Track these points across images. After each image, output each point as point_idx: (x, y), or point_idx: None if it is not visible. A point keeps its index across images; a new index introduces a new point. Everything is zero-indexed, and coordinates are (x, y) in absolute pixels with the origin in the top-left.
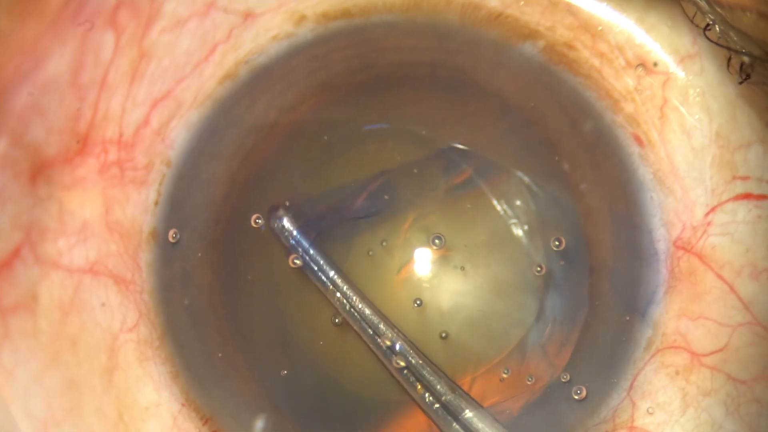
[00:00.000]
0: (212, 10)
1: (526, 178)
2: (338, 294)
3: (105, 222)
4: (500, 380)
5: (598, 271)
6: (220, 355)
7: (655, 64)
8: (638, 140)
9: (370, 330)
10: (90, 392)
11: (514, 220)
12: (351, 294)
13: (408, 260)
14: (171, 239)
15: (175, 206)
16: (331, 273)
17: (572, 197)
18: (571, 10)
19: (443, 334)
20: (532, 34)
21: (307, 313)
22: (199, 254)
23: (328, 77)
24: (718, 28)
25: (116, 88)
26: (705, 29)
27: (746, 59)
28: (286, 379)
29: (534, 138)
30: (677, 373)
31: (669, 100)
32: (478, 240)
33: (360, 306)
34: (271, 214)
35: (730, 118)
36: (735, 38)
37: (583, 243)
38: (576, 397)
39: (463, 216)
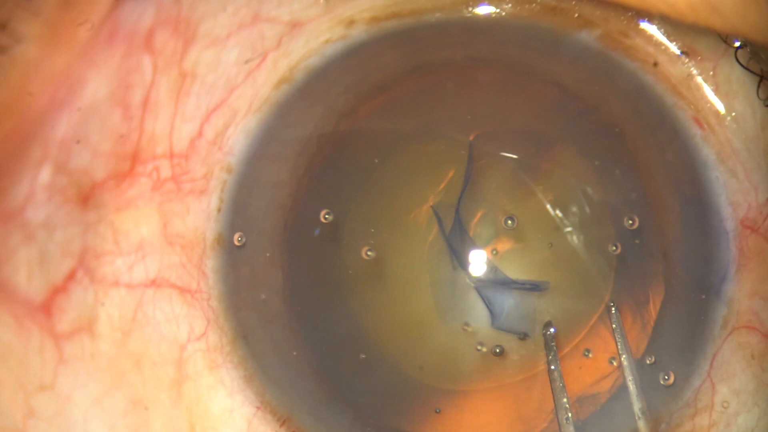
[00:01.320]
0: (257, 22)
1: (594, 163)
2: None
3: (164, 236)
4: (583, 360)
5: (670, 251)
6: (294, 353)
7: (702, 56)
8: (698, 122)
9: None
10: (157, 408)
11: (585, 206)
12: None
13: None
14: (237, 242)
15: (240, 211)
16: None
17: (641, 180)
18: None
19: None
20: (587, 24)
21: (383, 305)
22: (267, 254)
23: (383, 78)
24: (748, 50)
25: (160, 108)
26: (736, 50)
27: None
28: (364, 372)
29: (597, 124)
30: (753, 356)
31: (719, 89)
32: (552, 223)
33: None
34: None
35: None
36: (766, 61)
37: (655, 224)
38: (663, 383)
39: (534, 203)
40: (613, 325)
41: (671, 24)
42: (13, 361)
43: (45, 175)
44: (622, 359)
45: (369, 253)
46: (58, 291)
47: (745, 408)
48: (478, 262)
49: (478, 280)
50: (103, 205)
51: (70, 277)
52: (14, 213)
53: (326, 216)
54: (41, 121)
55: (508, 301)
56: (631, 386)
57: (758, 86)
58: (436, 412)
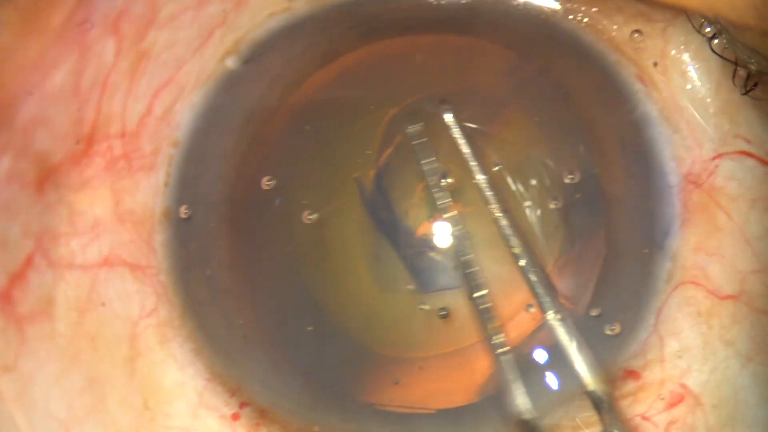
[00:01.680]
0: (205, 2)
1: (538, 123)
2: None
3: (116, 214)
4: (526, 313)
5: (613, 205)
6: (241, 322)
7: (652, 18)
8: (641, 79)
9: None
10: (112, 386)
11: (526, 164)
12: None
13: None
14: (183, 215)
15: (187, 184)
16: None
17: (583, 134)
18: None
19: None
20: None
21: (327, 272)
22: (212, 225)
23: (328, 49)
24: (724, 39)
25: (117, 88)
26: (710, 39)
27: (753, 67)
28: (313, 339)
29: (544, 87)
30: (699, 313)
31: (667, 49)
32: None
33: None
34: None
35: (729, 74)
36: (741, 49)
37: (597, 178)
38: (609, 333)
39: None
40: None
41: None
42: None
43: (7, 159)
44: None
45: (310, 217)
46: (17, 277)
47: (697, 361)
48: (400, 230)
49: (401, 248)
50: (61, 185)
51: (29, 261)
52: None
53: (268, 182)
54: (8, 107)
55: (434, 265)
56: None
57: (733, 74)
58: (395, 382)
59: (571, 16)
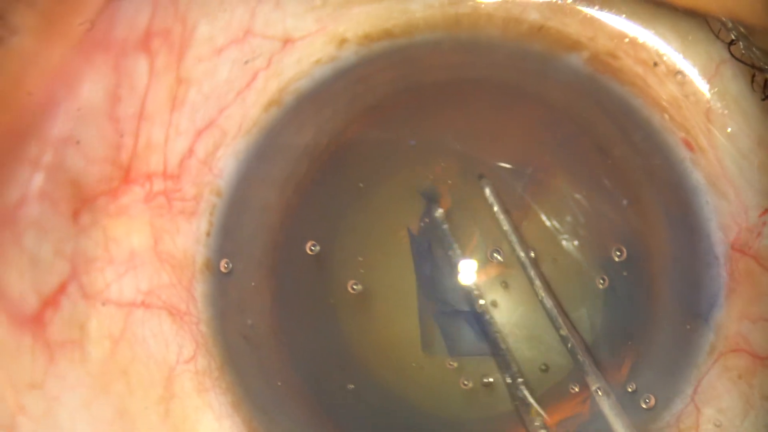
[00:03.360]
0: (249, 36)
1: (582, 190)
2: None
3: (155, 252)
4: (570, 393)
5: (659, 278)
6: (279, 384)
7: (692, 72)
8: (688, 145)
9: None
10: (144, 421)
11: (570, 234)
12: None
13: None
14: (223, 269)
15: (229, 235)
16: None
17: (629, 205)
18: (606, 24)
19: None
20: (575, 45)
21: (370, 336)
22: (253, 283)
23: (374, 100)
24: (741, 45)
25: (156, 115)
26: (729, 45)
27: None
28: (351, 401)
29: (585, 148)
30: (740, 377)
31: (711, 107)
32: (539, 256)
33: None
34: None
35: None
36: (758, 55)
37: (644, 252)
38: (644, 406)
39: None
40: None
41: (664, 29)
42: (4, 358)
43: (40, 175)
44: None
45: (355, 286)
46: (50, 303)
47: (734, 425)
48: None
49: (437, 307)
50: (96, 209)
51: (62, 289)
52: (8, 214)
53: (312, 248)
54: (38, 118)
55: (466, 329)
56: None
57: (752, 79)
58: None
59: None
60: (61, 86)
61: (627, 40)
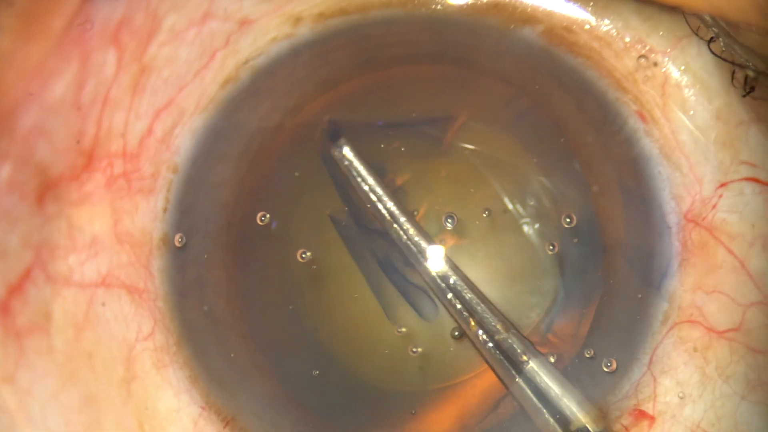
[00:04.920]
0: (208, 19)
1: (535, 161)
2: (395, 225)
3: (114, 234)
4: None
5: (611, 246)
6: (232, 355)
7: (653, 47)
8: (642, 117)
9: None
10: (109, 405)
11: (525, 200)
12: (409, 227)
13: None
14: (177, 243)
15: (185, 211)
16: (389, 204)
17: (583, 175)
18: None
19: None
20: (530, 19)
21: (324, 308)
22: (205, 256)
23: (330, 76)
24: (722, 42)
25: (119, 103)
26: (709, 42)
27: (751, 73)
28: (308, 374)
29: (541, 121)
30: (695, 349)
31: (669, 81)
32: (489, 223)
33: (416, 239)
34: (332, 138)
35: (728, 100)
36: (739, 51)
37: (596, 219)
38: (606, 370)
39: (472, 198)
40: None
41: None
42: None
43: (7, 168)
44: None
45: (304, 255)
46: (16, 289)
47: (690, 399)
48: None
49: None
50: (61, 198)
51: (27, 274)
52: None
53: (262, 218)
54: (9, 114)
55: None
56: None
57: (732, 76)
58: (411, 413)
59: (571, 51)
60: (37, 82)
61: (589, 8)
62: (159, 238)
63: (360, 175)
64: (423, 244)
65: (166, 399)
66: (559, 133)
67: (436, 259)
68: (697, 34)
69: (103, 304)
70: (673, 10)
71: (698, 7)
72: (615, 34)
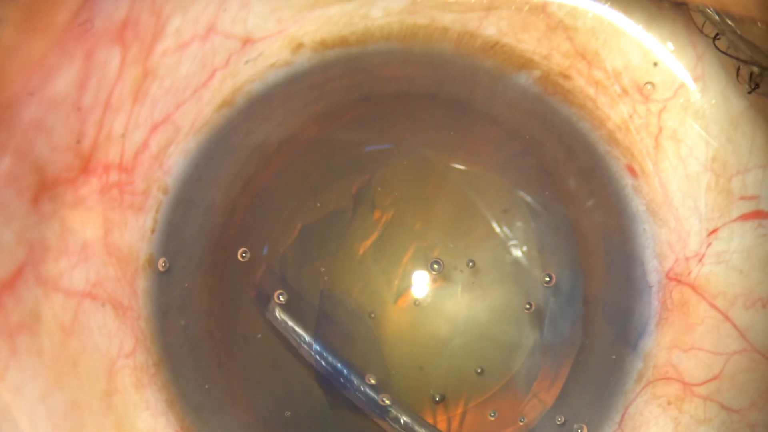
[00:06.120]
0: (212, 33)
1: (523, 206)
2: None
3: (104, 244)
4: (490, 418)
5: (591, 303)
6: (206, 386)
7: (654, 90)
8: (632, 171)
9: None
10: (91, 415)
11: (511, 246)
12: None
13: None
14: (161, 268)
15: (172, 234)
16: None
17: (568, 227)
18: (569, 34)
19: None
20: (527, 64)
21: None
22: (186, 284)
23: (326, 107)
24: (727, 38)
25: (120, 107)
26: (714, 39)
27: (756, 69)
28: (283, 408)
29: (531, 167)
30: (669, 403)
31: (664, 128)
32: (472, 272)
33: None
34: (262, 302)
35: (728, 141)
36: (744, 48)
37: (579, 274)
38: None
39: (462, 239)
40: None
41: (635, 42)
42: None
43: (6, 161)
44: None
45: (281, 297)
46: (7, 285)
47: None
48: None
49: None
50: (56, 199)
51: (19, 271)
52: None
53: (243, 255)
54: (10, 107)
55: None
56: None
57: (737, 73)
58: None
59: (566, 100)
60: (38, 76)
61: (587, 54)
62: (144, 259)
63: (296, 334)
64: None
65: (144, 418)
66: (548, 180)
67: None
68: (701, 31)
69: (89, 315)
70: (679, 44)
71: (703, 1)
72: (613, 79)
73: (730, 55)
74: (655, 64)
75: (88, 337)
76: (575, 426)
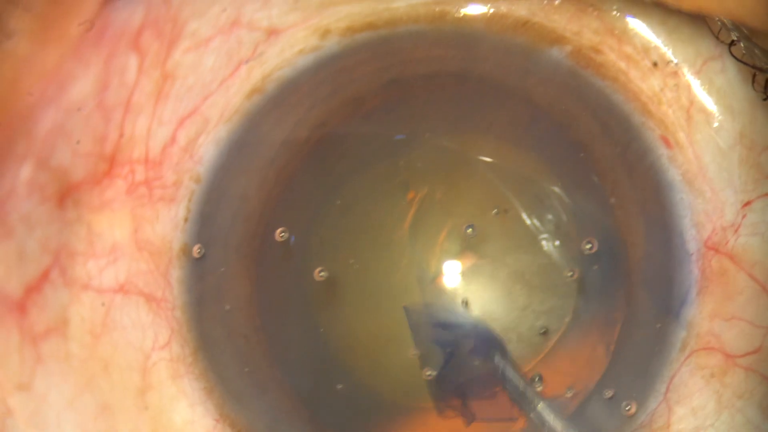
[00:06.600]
0: (235, 27)
1: (558, 183)
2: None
3: (134, 241)
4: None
5: (632, 273)
6: (246, 370)
7: (678, 66)
8: (666, 142)
9: None
10: (124, 415)
11: (545, 228)
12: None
13: (440, 268)
14: (196, 254)
15: (206, 222)
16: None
17: (606, 200)
18: (599, 14)
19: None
20: (559, 39)
21: (341, 326)
22: (223, 269)
23: (356, 91)
24: (742, 45)
25: (141, 109)
26: (730, 45)
27: None
28: (326, 390)
29: (565, 142)
30: (712, 375)
31: (695, 101)
32: (511, 245)
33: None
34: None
35: (752, 119)
36: (759, 55)
37: (618, 246)
38: (625, 413)
39: (495, 222)
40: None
41: (660, 21)
42: None
43: (27, 170)
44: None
45: (321, 274)
46: (33, 290)
47: (705, 425)
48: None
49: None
50: (81, 204)
51: (45, 275)
52: None
53: (282, 234)
54: (28, 117)
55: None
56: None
57: (753, 79)
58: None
59: (598, 73)
60: (54, 85)
61: (616, 31)
62: (179, 248)
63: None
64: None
65: (180, 410)
66: (584, 156)
67: None
68: (718, 38)
69: (121, 311)
70: (699, 27)
71: (717, 13)
72: (643, 54)
73: (746, 63)
74: (678, 42)
75: (120, 334)
76: (623, 404)
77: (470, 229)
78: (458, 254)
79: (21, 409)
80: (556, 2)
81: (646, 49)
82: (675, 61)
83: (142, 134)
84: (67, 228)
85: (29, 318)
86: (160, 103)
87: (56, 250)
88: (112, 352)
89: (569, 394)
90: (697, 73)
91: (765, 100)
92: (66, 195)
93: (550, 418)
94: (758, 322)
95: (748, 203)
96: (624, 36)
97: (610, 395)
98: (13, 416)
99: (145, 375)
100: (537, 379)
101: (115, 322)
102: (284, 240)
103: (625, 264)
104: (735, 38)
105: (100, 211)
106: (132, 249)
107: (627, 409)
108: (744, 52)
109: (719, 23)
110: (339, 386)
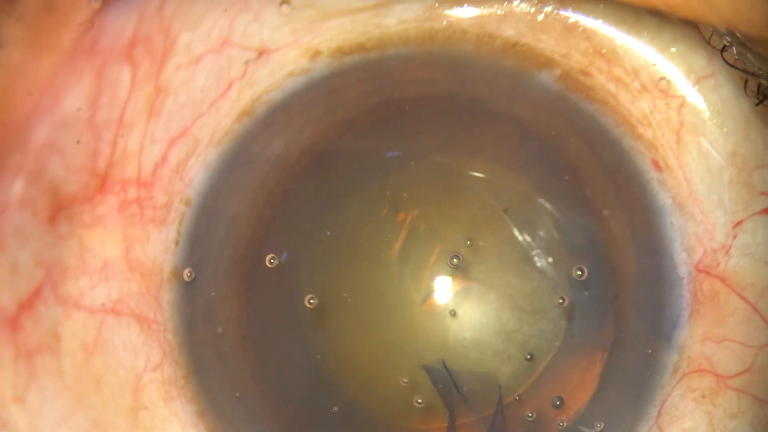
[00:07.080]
0: (227, 46)
1: (548, 206)
2: None
3: (126, 260)
4: (527, 420)
5: (622, 298)
6: (237, 394)
7: (669, 86)
8: (656, 165)
9: None
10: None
11: (536, 250)
12: None
13: (431, 291)
14: (186, 278)
15: (196, 245)
16: None
17: (596, 224)
18: (587, 34)
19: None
20: (548, 63)
21: (331, 350)
22: (213, 293)
23: (345, 113)
24: (735, 50)
25: (134, 125)
26: (722, 51)
27: (764, 82)
28: (315, 415)
29: (555, 165)
30: (703, 396)
31: (685, 123)
32: (499, 269)
33: None
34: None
35: (745, 137)
36: (752, 60)
37: (607, 270)
38: None
39: (484, 246)
40: None
41: (651, 37)
42: None
43: (20, 183)
44: None
45: (312, 301)
46: (26, 306)
47: None
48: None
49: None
50: (73, 219)
51: (38, 291)
52: None
53: (271, 261)
54: (21, 128)
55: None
56: None
57: (744, 85)
58: None
59: (588, 96)
60: (47, 96)
61: (605, 50)
62: (169, 271)
63: None
64: None
65: (173, 431)
66: (573, 179)
67: None
68: (709, 43)
69: (113, 332)
70: (692, 42)
71: (711, 21)
72: (633, 76)
73: (738, 68)
74: (670, 61)
75: (111, 354)
76: None
77: (458, 256)
78: (447, 277)
79: (16, 422)
80: (539, 18)
81: (635, 69)
82: (666, 79)
83: (135, 151)
84: (59, 243)
85: (23, 332)
86: (153, 119)
87: (48, 265)
88: (104, 371)
89: (561, 426)
90: (689, 92)
91: (757, 105)
92: (59, 210)
93: None
94: (749, 342)
95: (738, 223)
96: (614, 56)
97: (600, 428)
98: (7, 430)
99: (136, 395)
100: (528, 414)
101: (106, 341)
102: (274, 266)
103: (615, 288)
104: (727, 43)
105: (92, 227)
106: (123, 268)
107: None
108: (736, 57)
109: (711, 29)
110: (335, 408)
